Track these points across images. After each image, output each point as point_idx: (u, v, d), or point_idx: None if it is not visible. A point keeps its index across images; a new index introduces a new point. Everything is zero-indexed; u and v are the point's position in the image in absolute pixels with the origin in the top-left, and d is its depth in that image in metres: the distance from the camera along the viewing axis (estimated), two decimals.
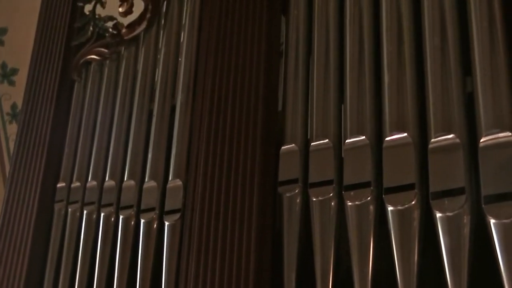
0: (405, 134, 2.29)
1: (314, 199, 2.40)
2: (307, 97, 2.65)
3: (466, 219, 2.10)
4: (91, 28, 3.55)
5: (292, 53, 2.76)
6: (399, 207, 2.21)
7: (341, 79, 2.57)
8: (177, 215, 2.78)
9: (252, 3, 2.90)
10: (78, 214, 3.20)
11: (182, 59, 3.13)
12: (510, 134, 2.10)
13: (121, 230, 2.97)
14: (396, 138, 2.30)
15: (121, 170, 3.14)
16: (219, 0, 3.00)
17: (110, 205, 3.08)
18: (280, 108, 2.74)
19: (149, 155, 3.02)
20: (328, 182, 2.40)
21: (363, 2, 2.63)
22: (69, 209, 3.23)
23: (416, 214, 2.19)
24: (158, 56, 3.29)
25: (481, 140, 2.13)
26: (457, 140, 2.18)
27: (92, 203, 3.16)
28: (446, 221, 2.11)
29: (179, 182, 2.84)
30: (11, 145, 5.00)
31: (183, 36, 3.21)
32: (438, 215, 2.13)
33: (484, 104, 2.19)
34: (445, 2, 2.42)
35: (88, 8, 3.61)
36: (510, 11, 2.32)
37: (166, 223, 2.80)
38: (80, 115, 3.46)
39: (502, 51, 2.25)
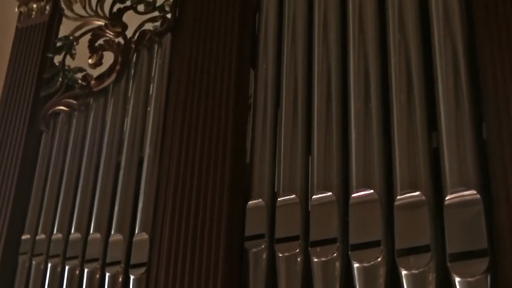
0: (371, 191, 2.29)
1: (280, 255, 2.38)
2: (275, 151, 2.65)
3: (432, 277, 2.10)
4: (60, 79, 3.53)
5: (260, 106, 2.77)
6: (365, 264, 2.20)
7: (309, 133, 2.58)
8: (143, 269, 2.75)
9: (222, 56, 2.92)
10: (42, 266, 3.14)
11: (151, 110, 3.13)
12: (475, 192, 2.11)
13: (86, 284, 2.92)
14: (362, 194, 2.30)
15: (87, 223, 3.10)
16: (189, 52, 3.02)
17: (75, 258, 3.04)
18: (247, 160, 2.73)
19: (116, 208, 2.99)
20: (295, 238, 2.39)
21: (331, 58, 2.66)
22: (34, 262, 3.17)
23: (382, 271, 2.19)
24: (127, 106, 3.28)
25: (447, 198, 2.15)
26: (423, 198, 2.19)
27: (57, 255, 3.11)
28: (412, 278, 2.11)
29: (145, 236, 2.81)
30: None
31: (152, 88, 3.21)
32: (404, 272, 2.13)
33: (450, 161, 2.20)
34: (412, 59, 2.46)
35: (57, 59, 3.60)
36: (475, 68, 2.36)
37: (132, 277, 2.77)
38: (47, 166, 3.42)
39: (467, 107, 2.28)
